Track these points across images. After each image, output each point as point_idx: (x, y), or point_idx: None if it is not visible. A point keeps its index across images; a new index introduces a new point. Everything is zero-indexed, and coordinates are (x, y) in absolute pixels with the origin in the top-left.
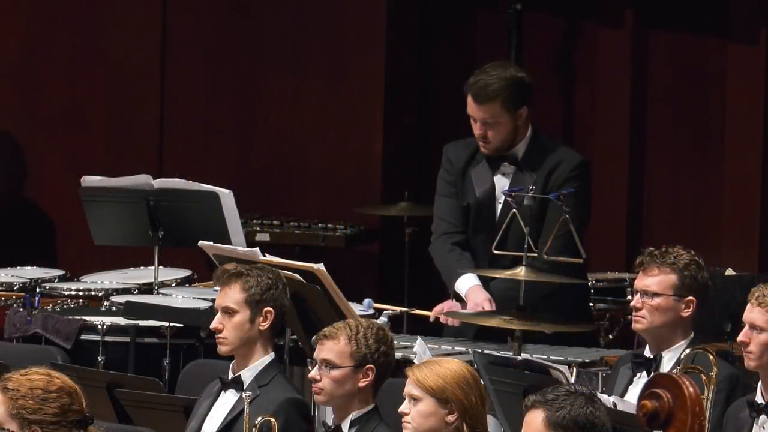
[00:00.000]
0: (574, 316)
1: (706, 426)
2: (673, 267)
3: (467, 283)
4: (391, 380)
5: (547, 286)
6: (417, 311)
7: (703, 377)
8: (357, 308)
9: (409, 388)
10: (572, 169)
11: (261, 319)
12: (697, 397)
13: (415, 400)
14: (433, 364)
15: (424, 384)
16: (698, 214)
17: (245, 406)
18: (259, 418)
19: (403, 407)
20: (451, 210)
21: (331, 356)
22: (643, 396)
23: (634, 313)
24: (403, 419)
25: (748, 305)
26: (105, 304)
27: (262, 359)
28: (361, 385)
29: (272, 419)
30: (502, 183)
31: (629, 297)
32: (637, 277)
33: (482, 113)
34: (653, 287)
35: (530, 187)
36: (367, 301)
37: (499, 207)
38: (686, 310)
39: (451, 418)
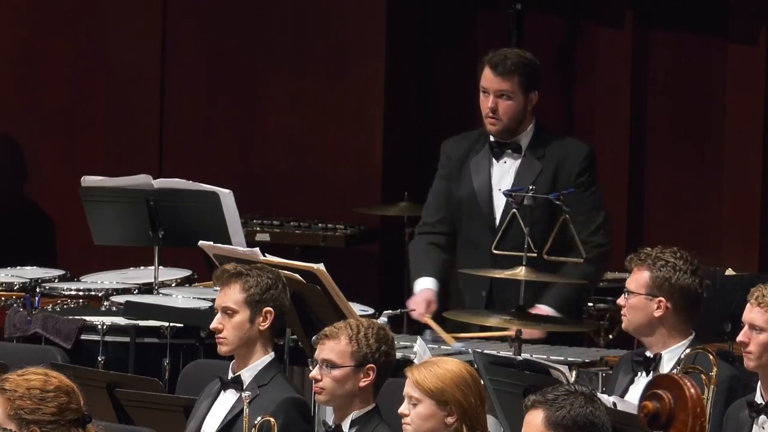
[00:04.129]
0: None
1: (707, 427)
2: (648, 266)
3: (421, 285)
4: (392, 380)
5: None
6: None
7: (704, 377)
8: (357, 308)
9: (409, 390)
10: (582, 160)
11: (261, 319)
12: (698, 398)
13: (414, 401)
14: (432, 365)
15: (423, 386)
16: (698, 213)
17: (245, 406)
18: (259, 418)
19: (403, 408)
20: (437, 208)
21: (331, 356)
22: (644, 397)
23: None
24: (402, 421)
25: (748, 305)
26: (105, 304)
27: (261, 359)
28: (361, 384)
29: (272, 419)
30: (504, 170)
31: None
32: None
33: (498, 84)
34: (630, 285)
35: (530, 187)
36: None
37: (496, 195)
38: (657, 311)
39: (450, 419)
